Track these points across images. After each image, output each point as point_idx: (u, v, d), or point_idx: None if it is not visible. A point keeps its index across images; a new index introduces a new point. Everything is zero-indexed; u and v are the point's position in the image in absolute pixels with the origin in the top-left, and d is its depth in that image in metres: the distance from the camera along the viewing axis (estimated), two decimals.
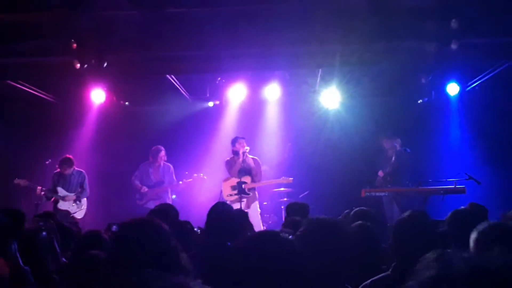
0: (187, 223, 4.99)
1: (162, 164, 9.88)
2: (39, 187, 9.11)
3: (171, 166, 9.94)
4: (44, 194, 9.12)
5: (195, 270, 2.38)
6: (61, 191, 9.24)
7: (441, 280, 0.91)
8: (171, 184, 9.83)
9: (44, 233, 3.76)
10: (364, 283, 3.01)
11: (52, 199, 9.20)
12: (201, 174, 9.94)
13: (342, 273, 2.49)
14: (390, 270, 3.01)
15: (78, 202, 9.34)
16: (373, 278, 3.00)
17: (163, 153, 9.84)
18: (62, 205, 9.17)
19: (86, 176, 9.54)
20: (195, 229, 5.54)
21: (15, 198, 9.52)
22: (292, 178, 9.20)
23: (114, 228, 5.19)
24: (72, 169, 9.37)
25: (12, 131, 10.34)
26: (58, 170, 9.32)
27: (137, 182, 9.78)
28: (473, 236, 2.62)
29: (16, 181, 9.09)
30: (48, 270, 3.44)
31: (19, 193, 9.41)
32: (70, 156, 9.38)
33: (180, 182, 9.88)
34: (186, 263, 2.36)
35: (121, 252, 2.33)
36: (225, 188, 9.12)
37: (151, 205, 9.46)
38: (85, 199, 9.51)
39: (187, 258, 2.42)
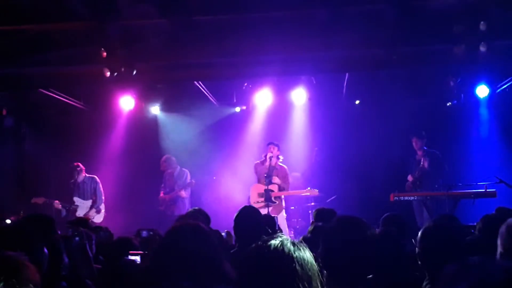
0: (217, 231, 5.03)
1: (176, 170, 10.10)
2: (56, 201, 9.24)
3: (187, 172, 10.10)
4: (62, 207, 9.27)
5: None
6: (77, 200, 9.39)
7: None
8: (180, 189, 9.93)
9: (76, 238, 3.84)
10: None
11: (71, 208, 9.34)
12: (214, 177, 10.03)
13: (363, 273, 2.48)
14: (425, 285, 2.94)
15: (94, 208, 9.47)
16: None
17: (174, 160, 10.10)
18: (80, 213, 9.30)
19: (99, 182, 9.65)
20: (222, 233, 5.58)
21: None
22: (317, 190, 9.18)
23: (144, 233, 5.26)
24: (83, 176, 9.51)
25: (43, 139, 10.56)
26: (73, 179, 9.45)
27: (162, 191, 10.10)
28: (501, 229, 2.59)
29: (33, 200, 9.23)
30: (80, 276, 3.50)
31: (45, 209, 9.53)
32: (77, 163, 9.51)
33: (177, 190, 9.94)
34: (229, 271, 2.33)
35: (165, 258, 2.28)
36: (253, 195, 9.18)
37: (168, 211, 9.70)
38: (103, 204, 9.63)
39: (229, 266, 2.40)
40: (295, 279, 1.78)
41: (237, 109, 11.14)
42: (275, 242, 1.88)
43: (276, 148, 9.10)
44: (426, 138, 9.31)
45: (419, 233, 3.07)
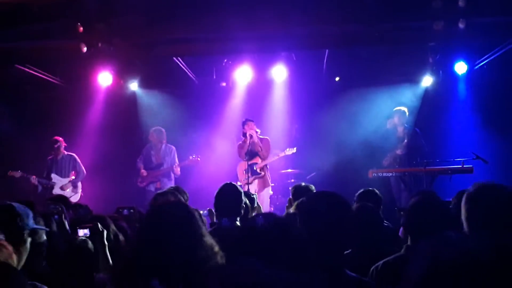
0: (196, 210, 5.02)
1: (163, 146, 9.88)
2: (33, 176, 9.16)
3: (174, 148, 9.93)
4: (38, 183, 9.18)
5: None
6: (54, 177, 9.29)
7: (431, 268, 0.93)
8: (170, 167, 9.79)
9: (56, 216, 3.82)
10: (376, 264, 3.00)
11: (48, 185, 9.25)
12: (193, 156, 9.80)
13: (343, 249, 2.51)
14: (403, 250, 3.00)
15: (72, 186, 9.41)
16: (385, 259, 2.99)
17: (164, 136, 9.86)
18: (56, 191, 9.21)
19: (78, 159, 9.56)
20: (204, 211, 5.59)
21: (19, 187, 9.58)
22: (295, 148, 9.26)
23: (125, 212, 5.23)
24: (62, 152, 9.43)
25: (20, 115, 10.41)
26: (51, 156, 9.37)
27: (140, 165, 9.83)
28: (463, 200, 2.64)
29: (10, 173, 9.12)
30: (59, 254, 3.48)
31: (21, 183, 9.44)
32: (57, 138, 9.40)
33: (176, 164, 9.76)
34: (214, 247, 2.30)
35: (149, 236, 2.24)
36: (240, 173, 9.28)
37: (151, 187, 9.55)
38: (80, 183, 9.56)
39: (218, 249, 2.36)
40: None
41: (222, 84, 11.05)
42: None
43: (254, 124, 9.12)
44: (407, 115, 9.38)
45: (407, 206, 3.12)
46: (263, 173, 9.09)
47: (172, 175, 9.82)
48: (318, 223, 2.39)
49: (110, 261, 3.29)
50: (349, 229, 2.47)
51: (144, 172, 9.73)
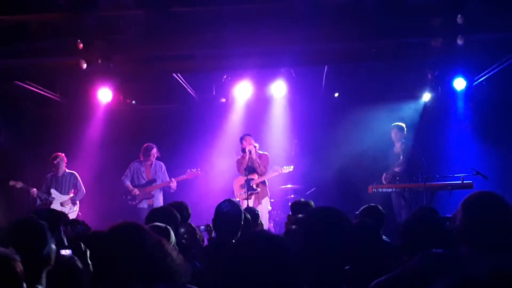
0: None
1: (154, 162, 9.78)
2: (33, 189, 9.11)
3: (163, 164, 9.86)
4: (37, 196, 9.14)
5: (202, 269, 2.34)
6: (54, 193, 9.25)
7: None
8: (164, 182, 9.70)
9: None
10: (377, 280, 2.95)
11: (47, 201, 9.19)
12: (194, 170, 9.71)
13: (342, 265, 2.48)
14: (399, 268, 2.95)
15: (72, 204, 9.36)
16: (386, 276, 2.95)
17: (155, 150, 9.72)
18: (55, 206, 9.09)
19: (79, 177, 9.52)
20: (202, 227, 5.55)
21: (17, 198, 9.55)
22: (292, 166, 9.29)
23: None
24: (63, 169, 9.39)
25: (19, 131, 10.41)
26: (52, 172, 9.34)
27: (128, 183, 9.64)
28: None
29: (11, 183, 9.05)
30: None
31: (20, 195, 9.40)
32: (58, 154, 9.36)
33: (173, 179, 9.66)
34: (179, 267, 2.29)
35: (105, 262, 2.28)
36: (236, 188, 9.29)
37: (144, 204, 9.45)
38: (78, 201, 9.51)
39: (182, 261, 2.35)
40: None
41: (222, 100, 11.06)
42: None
43: (252, 139, 9.13)
44: (405, 130, 9.39)
45: (403, 223, 3.09)
46: (259, 189, 9.06)
47: (161, 191, 9.76)
48: (317, 239, 2.37)
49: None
50: (348, 245, 2.44)
51: (136, 190, 9.58)
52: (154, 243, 2.34)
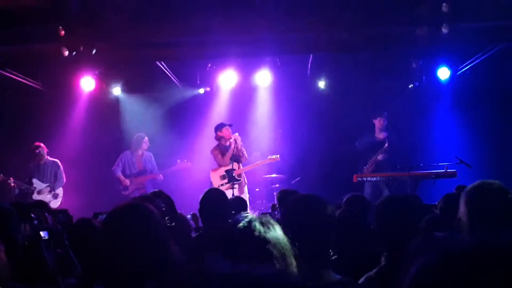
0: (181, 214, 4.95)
1: (144, 152, 9.83)
2: (11, 178, 8.90)
3: (152, 155, 9.92)
4: (17, 186, 8.97)
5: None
6: (36, 183, 9.13)
7: (446, 262, 0.89)
8: (153, 172, 9.77)
9: (35, 221, 3.73)
10: (367, 274, 2.90)
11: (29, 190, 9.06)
12: (185, 160, 9.85)
13: (325, 252, 2.47)
14: (383, 261, 2.91)
15: (52, 192, 9.26)
16: (367, 274, 2.90)
17: (146, 140, 9.77)
18: (36, 196, 9.02)
19: (61, 166, 9.42)
20: (188, 216, 5.53)
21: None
22: (278, 155, 9.28)
23: (100, 218, 5.14)
24: (45, 158, 9.28)
25: (0, 120, 10.25)
26: (34, 161, 9.21)
27: (120, 174, 9.68)
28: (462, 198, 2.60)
29: None
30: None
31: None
32: (39, 144, 9.24)
33: (161, 175, 9.79)
34: (176, 253, 2.25)
35: (109, 244, 2.18)
36: (215, 179, 9.15)
37: (136, 194, 9.41)
38: (61, 188, 9.42)
39: (178, 251, 2.31)
40: (271, 261, 1.75)
41: (201, 90, 11.00)
42: (243, 223, 1.83)
43: (230, 128, 9.10)
44: (388, 119, 9.41)
45: (375, 210, 3.05)
46: (241, 179, 9.03)
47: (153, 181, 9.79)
48: (298, 226, 2.35)
49: (76, 263, 3.20)
50: (329, 231, 2.44)
51: (127, 181, 9.63)
52: (159, 226, 2.27)
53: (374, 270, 2.87)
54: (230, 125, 9.15)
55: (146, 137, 9.80)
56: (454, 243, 0.93)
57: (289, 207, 2.58)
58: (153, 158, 9.90)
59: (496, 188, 2.59)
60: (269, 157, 9.30)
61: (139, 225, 2.20)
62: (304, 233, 2.33)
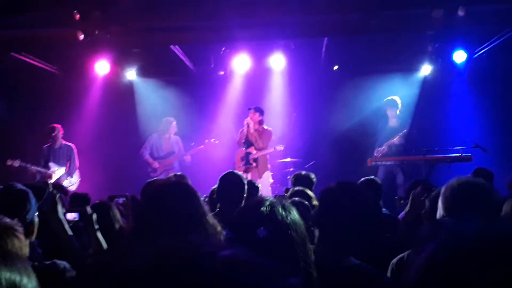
0: None
1: (171, 136, 10.02)
2: (32, 166, 8.95)
3: (179, 138, 10.11)
4: (37, 172, 9.06)
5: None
6: (52, 166, 9.21)
7: (455, 246, 0.91)
8: (181, 155, 9.96)
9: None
10: (399, 256, 2.92)
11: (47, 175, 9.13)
12: (212, 140, 9.97)
13: (354, 238, 2.48)
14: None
15: (69, 176, 9.35)
16: (400, 256, 2.92)
17: (174, 124, 10.00)
18: (55, 179, 9.11)
19: (75, 150, 9.48)
20: (203, 197, 5.56)
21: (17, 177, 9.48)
22: (283, 146, 9.31)
23: (121, 200, 5.21)
24: (60, 141, 9.33)
25: (16, 104, 10.35)
26: (48, 143, 9.28)
27: (148, 156, 9.89)
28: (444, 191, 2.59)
29: (9, 162, 8.84)
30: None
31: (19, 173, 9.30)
32: (55, 125, 9.30)
33: (189, 157, 9.95)
34: (216, 224, 2.30)
35: (151, 217, 2.21)
36: (237, 159, 9.29)
37: (164, 175, 9.54)
38: (77, 172, 9.50)
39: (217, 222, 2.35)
40: (293, 246, 1.77)
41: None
42: (265, 208, 1.85)
43: (256, 114, 9.10)
44: (399, 104, 9.35)
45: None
46: (254, 164, 9.03)
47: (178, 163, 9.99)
48: (340, 215, 2.37)
49: (104, 244, 3.25)
50: (366, 219, 2.45)
51: (156, 163, 9.81)
52: (200, 201, 2.33)
53: (407, 253, 2.88)
54: (248, 109, 9.19)
55: (175, 122, 9.99)
56: (463, 227, 0.95)
57: (331, 194, 2.56)
58: (180, 142, 10.08)
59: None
60: (273, 147, 9.29)
61: (185, 199, 2.26)
62: (341, 218, 2.35)
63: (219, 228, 2.24)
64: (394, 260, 2.90)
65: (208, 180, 8.27)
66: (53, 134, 9.21)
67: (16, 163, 8.87)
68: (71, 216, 3.33)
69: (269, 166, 9.33)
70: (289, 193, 4.97)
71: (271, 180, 9.43)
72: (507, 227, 0.94)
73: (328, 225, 2.40)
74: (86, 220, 3.28)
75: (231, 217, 1.98)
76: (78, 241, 3.20)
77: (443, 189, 2.57)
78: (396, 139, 9.08)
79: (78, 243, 3.19)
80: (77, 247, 3.08)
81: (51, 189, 3.46)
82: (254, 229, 1.78)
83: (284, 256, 1.69)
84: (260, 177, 9.02)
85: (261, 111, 9.25)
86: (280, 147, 9.29)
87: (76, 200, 4.93)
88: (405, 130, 9.06)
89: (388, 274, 2.82)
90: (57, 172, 9.21)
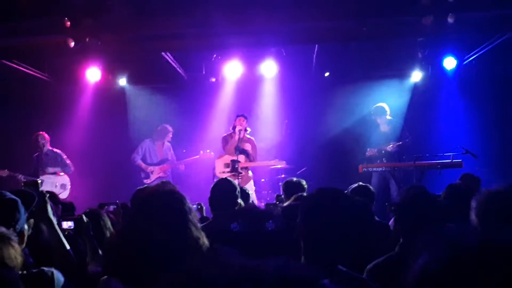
0: None
1: (165, 143, 10.04)
2: (20, 175, 8.83)
3: (171, 145, 10.12)
4: (26, 181, 8.91)
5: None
6: (41, 174, 9.11)
7: (452, 256, 0.91)
8: (174, 162, 9.98)
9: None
10: (375, 262, 2.90)
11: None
12: (208, 151, 9.93)
13: (339, 243, 2.46)
14: (397, 248, 2.91)
15: (61, 183, 9.28)
16: (378, 260, 2.90)
17: (170, 134, 10.01)
18: (45, 187, 8.98)
19: (63, 155, 9.37)
20: (193, 205, 5.55)
21: (4, 188, 9.34)
22: (284, 162, 9.24)
23: (111, 208, 5.19)
24: (48, 148, 9.25)
25: (6, 112, 10.28)
26: (37, 152, 9.21)
27: (140, 161, 9.86)
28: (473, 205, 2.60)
29: None
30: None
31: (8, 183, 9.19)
32: (41, 133, 9.23)
33: (183, 165, 9.98)
34: (204, 241, 2.26)
35: (141, 226, 2.15)
36: (218, 165, 9.10)
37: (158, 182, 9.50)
38: (68, 180, 9.41)
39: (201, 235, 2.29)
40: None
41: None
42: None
43: (245, 121, 9.08)
44: (388, 110, 9.35)
45: (396, 202, 3.07)
46: (243, 173, 8.95)
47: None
48: (320, 215, 2.33)
49: (100, 252, 3.23)
50: (349, 223, 2.43)
51: (151, 168, 9.80)
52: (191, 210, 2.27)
53: (383, 257, 2.87)
54: (240, 116, 9.11)
55: (171, 131, 10.00)
56: (461, 236, 0.95)
57: (311, 198, 2.53)
58: (171, 148, 10.10)
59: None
60: (276, 160, 9.23)
61: (174, 209, 2.21)
62: (324, 226, 2.32)
63: (202, 240, 2.19)
64: (369, 266, 2.88)
65: (200, 189, 8.27)
66: (38, 141, 9.14)
67: (4, 173, 8.79)
68: (67, 225, 3.32)
69: (251, 177, 9.27)
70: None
71: (254, 187, 9.35)
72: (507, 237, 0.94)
73: (312, 235, 2.34)
74: (83, 228, 3.26)
75: (225, 225, 1.97)
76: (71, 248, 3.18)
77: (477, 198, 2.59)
78: (389, 147, 9.07)
79: (70, 247, 3.17)
80: (69, 249, 3.05)
81: (40, 188, 3.42)
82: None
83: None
84: (245, 184, 8.94)
85: (247, 119, 9.23)
86: (282, 163, 9.25)
87: (65, 209, 4.91)
88: (400, 142, 9.03)
89: None
90: (46, 180, 9.13)
